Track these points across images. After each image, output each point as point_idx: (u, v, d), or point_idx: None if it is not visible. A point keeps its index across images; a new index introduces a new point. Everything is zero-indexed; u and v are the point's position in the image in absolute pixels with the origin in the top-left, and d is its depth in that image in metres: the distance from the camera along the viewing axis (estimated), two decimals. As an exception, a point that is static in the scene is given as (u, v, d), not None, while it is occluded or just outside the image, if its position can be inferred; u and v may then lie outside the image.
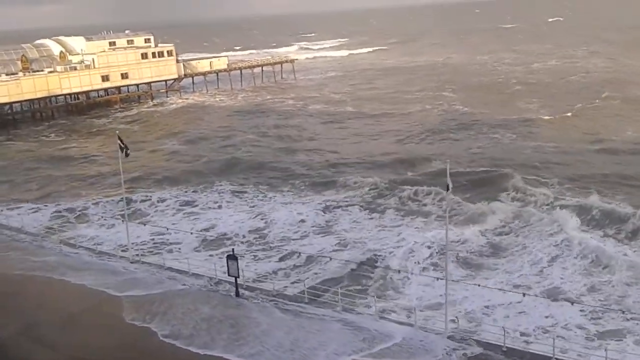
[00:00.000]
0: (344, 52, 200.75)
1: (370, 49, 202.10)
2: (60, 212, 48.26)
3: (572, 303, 28.21)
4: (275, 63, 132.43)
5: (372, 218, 43.77)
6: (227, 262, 27.42)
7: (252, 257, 37.38)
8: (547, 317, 28.21)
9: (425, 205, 45.49)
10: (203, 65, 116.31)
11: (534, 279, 32.53)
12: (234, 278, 27.74)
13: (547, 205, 43.31)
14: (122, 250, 35.09)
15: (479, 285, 30.20)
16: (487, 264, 35.06)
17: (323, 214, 44.63)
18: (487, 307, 29.33)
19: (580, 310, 28.27)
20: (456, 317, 26.12)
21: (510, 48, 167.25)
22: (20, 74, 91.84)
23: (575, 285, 31.62)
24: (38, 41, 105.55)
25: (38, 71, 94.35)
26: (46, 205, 50.01)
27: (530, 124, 71.10)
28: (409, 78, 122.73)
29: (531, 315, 28.32)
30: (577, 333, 26.92)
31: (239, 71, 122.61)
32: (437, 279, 29.45)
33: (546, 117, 74.37)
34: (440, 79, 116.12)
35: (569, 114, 75.04)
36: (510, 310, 28.91)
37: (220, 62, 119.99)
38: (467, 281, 31.35)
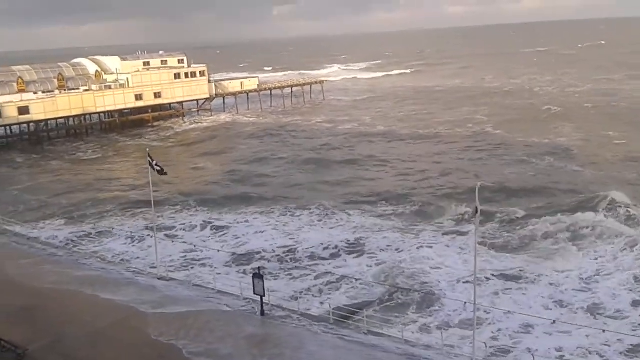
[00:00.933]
0: (375, 74, 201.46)
1: (401, 72, 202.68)
2: (90, 227, 49.00)
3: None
4: (304, 84, 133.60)
5: (405, 239, 43.34)
6: (253, 281, 27.42)
7: (280, 275, 37.34)
8: (587, 336, 27.59)
9: (461, 226, 44.99)
10: (234, 86, 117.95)
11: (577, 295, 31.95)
12: (259, 297, 27.71)
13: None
14: (151, 267, 35.39)
15: (510, 312, 29.71)
16: (530, 277, 34.58)
17: (355, 234, 44.35)
18: (522, 326, 28.80)
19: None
20: (485, 342, 25.64)
21: (545, 71, 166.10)
22: (57, 91, 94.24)
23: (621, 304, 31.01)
24: (75, 60, 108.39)
25: (74, 89, 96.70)
26: (77, 221, 50.88)
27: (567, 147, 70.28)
28: (441, 100, 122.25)
29: (570, 335, 27.69)
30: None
31: (268, 91, 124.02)
32: (466, 302, 29.02)
33: (582, 141, 73.25)
34: (474, 102, 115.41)
35: (608, 138, 73.86)
36: (547, 329, 28.37)
37: (251, 83, 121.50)
38: (499, 306, 30.90)
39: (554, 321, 29.27)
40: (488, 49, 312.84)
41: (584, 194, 50.53)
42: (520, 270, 36.74)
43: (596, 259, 38.10)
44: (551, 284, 34.49)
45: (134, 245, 44.06)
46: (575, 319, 30.03)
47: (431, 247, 41.57)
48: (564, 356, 26.86)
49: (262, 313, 27.73)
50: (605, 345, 27.30)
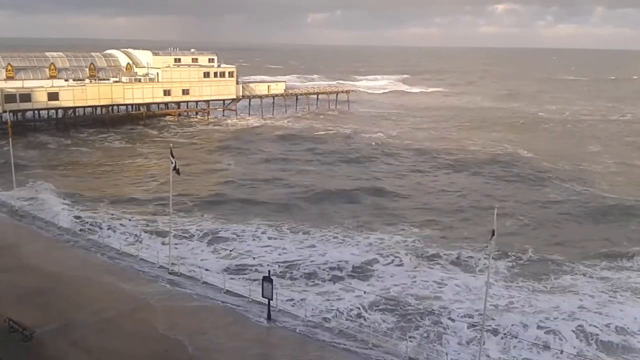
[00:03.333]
0: (403, 88, 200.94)
1: (430, 89, 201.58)
2: (108, 217, 49.55)
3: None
4: (330, 92, 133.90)
5: (418, 266, 42.64)
6: (262, 284, 27.56)
7: (288, 283, 37.30)
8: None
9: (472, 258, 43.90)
10: (261, 89, 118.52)
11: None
12: (267, 300, 27.83)
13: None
14: (163, 262, 35.65)
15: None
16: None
17: (367, 253, 43.84)
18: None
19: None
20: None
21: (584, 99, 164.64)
22: (87, 80, 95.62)
23: None
24: (107, 51, 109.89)
25: (104, 80, 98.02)
26: (95, 209, 51.49)
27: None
28: (467, 121, 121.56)
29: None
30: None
31: (294, 97, 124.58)
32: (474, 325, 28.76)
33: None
34: (503, 123, 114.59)
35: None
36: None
37: (278, 87, 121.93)
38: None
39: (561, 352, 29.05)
40: (539, 73, 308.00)
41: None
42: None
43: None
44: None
45: (148, 239, 44.38)
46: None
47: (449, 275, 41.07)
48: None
49: (269, 316, 27.83)
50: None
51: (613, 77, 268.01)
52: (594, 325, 32.75)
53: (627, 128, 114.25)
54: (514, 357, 28.92)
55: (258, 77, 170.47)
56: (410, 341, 27.85)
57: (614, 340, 31.18)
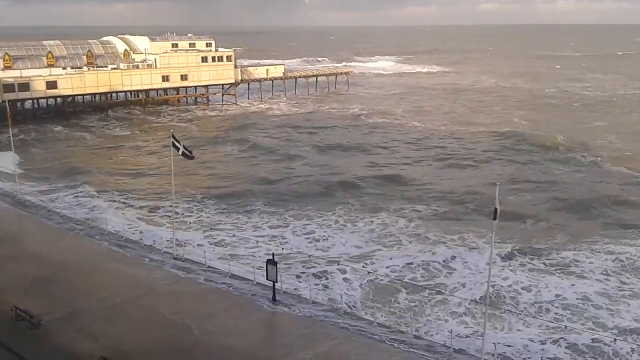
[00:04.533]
0: (404, 69, 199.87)
1: (431, 69, 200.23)
2: (109, 203, 49.66)
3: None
4: (330, 74, 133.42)
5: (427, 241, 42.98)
6: (267, 267, 27.64)
7: (292, 266, 37.43)
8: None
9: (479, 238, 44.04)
10: (260, 72, 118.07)
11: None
12: (272, 283, 27.94)
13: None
14: (167, 247, 35.76)
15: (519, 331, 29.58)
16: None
17: (372, 235, 43.85)
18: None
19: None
20: (494, 342, 25.59)
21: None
22: (85, 68, 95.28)
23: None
24: (104, 38, 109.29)
25: (102, 67, 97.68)
26: (98, 196, 51.58)
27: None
28: (472, 99, 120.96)
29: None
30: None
31: (293, 80, 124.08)
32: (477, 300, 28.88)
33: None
34: (508, 103, 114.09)
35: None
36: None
37: (277, 70, 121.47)
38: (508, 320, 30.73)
39: (566, 327, 29.23)
40: (540, 50, 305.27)
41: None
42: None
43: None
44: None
45: (152, 225, 44.53)
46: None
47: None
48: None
49: (274, 298, 27.95)
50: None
51: (620, 53, 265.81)
52: (598, 303, 32.97)
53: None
54: (520, 334, 29.09)
55: (263, 62, 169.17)
56: (416, 320, 28.00)
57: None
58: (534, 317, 30.66)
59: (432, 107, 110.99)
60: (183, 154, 33.19)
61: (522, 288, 34.40)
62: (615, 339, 27.24)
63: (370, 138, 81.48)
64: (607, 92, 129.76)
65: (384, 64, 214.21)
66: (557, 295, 33.29)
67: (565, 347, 27.82)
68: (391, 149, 74.86)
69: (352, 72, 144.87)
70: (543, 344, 28.00)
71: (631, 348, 27.24)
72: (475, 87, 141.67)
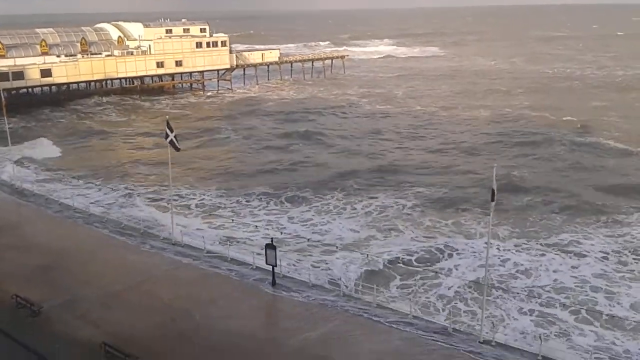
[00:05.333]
0: (399, 52, 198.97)
1: (425, 52, 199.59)
2: (107, 190, 49.68)
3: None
4: (326, 58, 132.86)
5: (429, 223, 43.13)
6: (266, 251, 27.76)
7: (290, 250, 37.53)
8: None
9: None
10: (255, 57, 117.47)
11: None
12: (271, 267, 28.08)
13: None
14: (167, 233, 35.79)
15: (520, 294, 29.77)
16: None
17: (368, 219, 43.94)
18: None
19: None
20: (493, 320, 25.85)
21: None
22: (79, 56, 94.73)
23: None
24: (98, 25, 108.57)
25: (96, 54, 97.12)
26: (96, 184, 51.55)
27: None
28: (471, 82, 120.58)
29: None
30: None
31: (289, 65, 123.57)
32: (477, 279, 29.09)
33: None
34: (506, 84, 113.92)
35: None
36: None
37: (272, 55, 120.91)
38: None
39: (564, 305, 29.46)
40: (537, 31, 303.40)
41: None
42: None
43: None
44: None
45: (150, 211, 44.52)
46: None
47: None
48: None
49: (274, 282, 28.11)
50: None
51: (620, 33, 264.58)
52: (595, 285, 33.21)
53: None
54: (518, 314, 29.33)
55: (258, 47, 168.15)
56: (414, 301, 28.16)
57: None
58: (534, 297, 30.86)
59: (430, 90, 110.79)
60: (171, 142, 33.00)
61: (521, 270, 34.61)
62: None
63: (367, 123, 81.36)
64: (606, 71, 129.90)
65: (382, 48, 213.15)
66: (554, 280, 33.44)
67: (559, 328, 28.12)
68: (389, 133, 74.79)
69: (348, 55, 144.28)
70: (539, 325, 28.26)
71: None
72: (473, 69, 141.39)
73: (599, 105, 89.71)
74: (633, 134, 68.37)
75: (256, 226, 40.93)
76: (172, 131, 32.99)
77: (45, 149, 65.58)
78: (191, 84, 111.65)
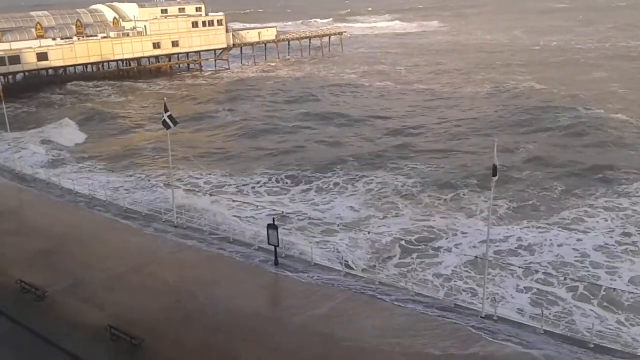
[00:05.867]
0: (400, 27, 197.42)
1: (423, 27, 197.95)
2: (108, 173, 49.69)
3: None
4: (323, 35, 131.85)
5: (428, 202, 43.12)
6: (268, 231, 27.82)
7: (292, 230, 37.63)
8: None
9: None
10: (251, 36, 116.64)
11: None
12: (274, 247, 28.18)
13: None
14: (168, 215, 35.83)
15: (520, 267, 29.94)
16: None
17: (367, 197, 44.01)
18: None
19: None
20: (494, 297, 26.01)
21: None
22: (75, 38, 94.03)
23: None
24: (92, 6, 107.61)
25: (92, 36, 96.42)
26: (97, 167, 51.56)
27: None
28: (472, 56, 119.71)
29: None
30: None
31: (286, 42, 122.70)
32: (477, 257, 29.25)
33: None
34: (507, 58, 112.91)
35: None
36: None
37: (269, 33, 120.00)
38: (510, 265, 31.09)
39: (565, 277, 29.67)
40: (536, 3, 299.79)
41: None
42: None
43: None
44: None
45: (151, 194, 44.59)
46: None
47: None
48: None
49: (276, 262, 28.23)
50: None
51: (623, 4, 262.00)
52: (596, 260, 33.36)
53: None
54: (519, 290, 29.53)
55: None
56: (416, 278, 28.34)
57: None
58: (535, 271, 31.02)
59: (431, 65, 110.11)
60: (163, 122, 32.80)
61: (522, 245, 34.75)
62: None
63: (367, 101, 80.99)
64: (609, 43, 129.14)
65: (382, 24, 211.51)
66: (556, 255, 33.55)
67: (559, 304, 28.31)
68: (389, 111, 74.51)
69: (346, 32, 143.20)
70: (538, 303, 28.46)
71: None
72: (474, 44, 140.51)
73: (600, 76, 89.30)
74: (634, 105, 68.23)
75: (257, 205, 41.02)
76: (166, 111, 32.88)
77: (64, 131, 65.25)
78: (188, 65, 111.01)
